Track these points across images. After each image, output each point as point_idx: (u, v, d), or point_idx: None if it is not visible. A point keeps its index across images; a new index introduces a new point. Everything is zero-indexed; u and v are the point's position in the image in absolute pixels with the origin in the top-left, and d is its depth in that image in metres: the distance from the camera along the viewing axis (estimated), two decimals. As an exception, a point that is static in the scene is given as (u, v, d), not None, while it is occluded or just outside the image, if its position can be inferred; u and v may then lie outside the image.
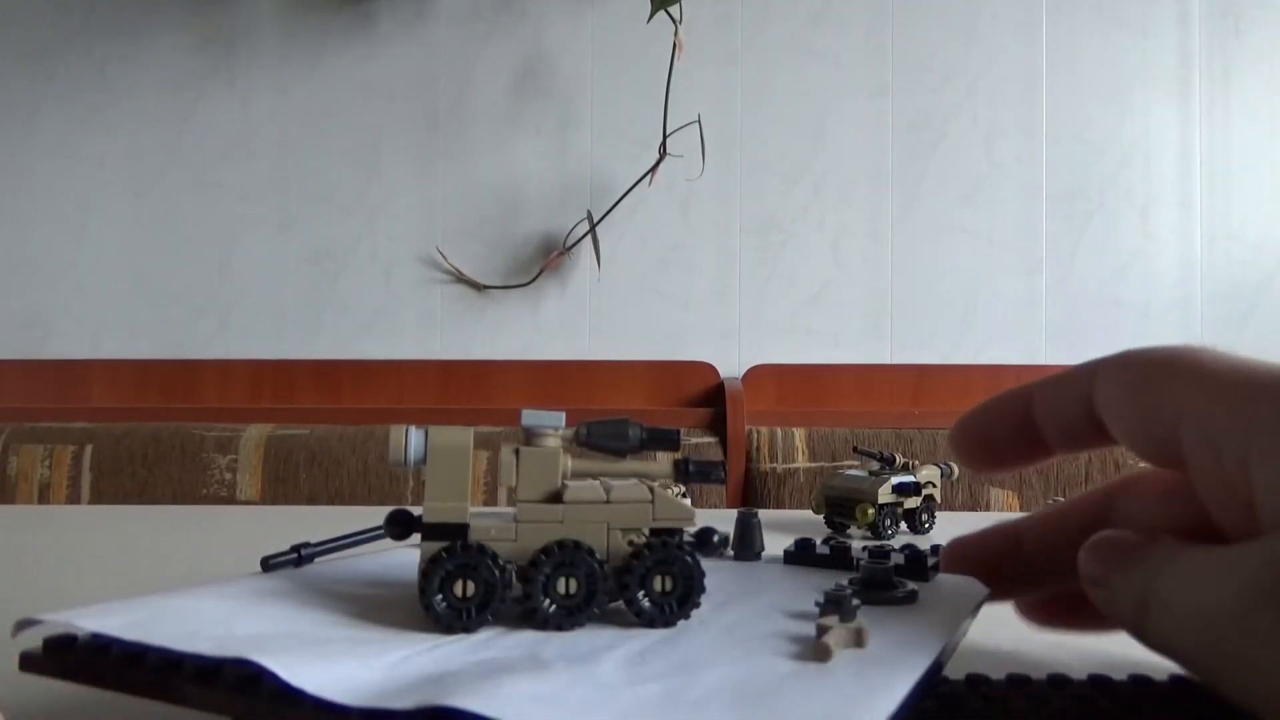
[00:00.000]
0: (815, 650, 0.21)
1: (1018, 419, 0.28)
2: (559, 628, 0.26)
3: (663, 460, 0.29)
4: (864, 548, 0.32)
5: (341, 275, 1.51)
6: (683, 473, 0.28)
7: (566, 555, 0.27)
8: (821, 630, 0.22)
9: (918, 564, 0.30)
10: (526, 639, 0.25)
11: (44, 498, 1.27)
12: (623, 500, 0.28)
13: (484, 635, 0.25)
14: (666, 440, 0.28)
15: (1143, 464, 0.27)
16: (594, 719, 0.18)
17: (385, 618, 0.26)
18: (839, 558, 0.32)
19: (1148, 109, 1.48)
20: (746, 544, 0.34)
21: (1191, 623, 0.21)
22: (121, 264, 1.52)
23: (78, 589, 0.46)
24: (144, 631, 0.22)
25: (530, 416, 0.29)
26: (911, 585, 0.26)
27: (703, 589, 0.26)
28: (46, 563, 0.53)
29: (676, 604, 0.26)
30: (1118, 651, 0.28)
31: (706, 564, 0.31)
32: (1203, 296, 1.47)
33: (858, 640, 0.22)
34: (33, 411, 1.38)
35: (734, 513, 0.39)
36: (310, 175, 1.51)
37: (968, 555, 0.31)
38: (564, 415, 0.29)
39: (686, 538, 0.28)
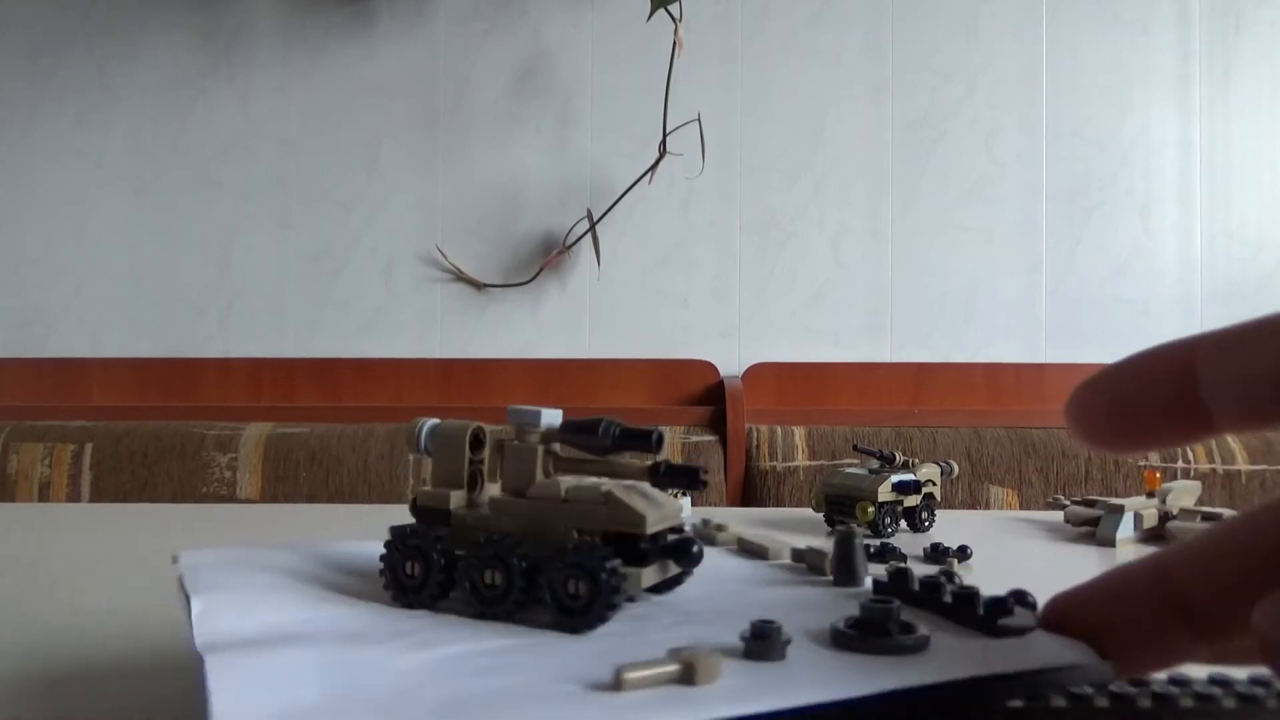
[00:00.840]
0: (615, 678, 0.20)
1: (1173, 383, 0.22)
2: (480, 616, 0.27)
3: (641, 462, 0.28)
4: (947, 586, 0.26)
5: (341, 274, 1.51)
6: (656, 475, 0.27)
7: (493, 549, 0.27)
8: (672, 657, 0.21)
9: (968, 606, 0.24)
10: (436, 621, 0.26)
11: (44, 496, 1.27)
12: (577, 500, 0.27)
13: (412, 612, 0.27)
14: (640, 440, 0.28)
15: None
16: (289, 685, 0.20)
17: (368, 589, 0.29)
18: (929, 592, 0.26)
19: (1148, 107, 1.48)
20: (846, 569, 0.29)
21: None
22: (121, 262, 1.52)
23: (78, 587, 0.46)
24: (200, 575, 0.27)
25: (514, 413, 0.29)
26: (923, 631, 0.22)
27: (609, 600, 0.25)
28: (47, 561, 0.53)
29: (584, 609, 0.25)
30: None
31: (793, 587, 0.29)
32: (1203, 295, 1.47)
33: (688, 676, 0.20)
34: (33, 410, 1.38)
35: (738, 511, 0.38)
36: (310, 173, 1.51)
37: (1082, 620, 0.22)
38: (541, 412, 0.29)
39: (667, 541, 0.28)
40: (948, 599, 0.25)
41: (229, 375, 1.48)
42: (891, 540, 0.63)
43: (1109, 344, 1.46)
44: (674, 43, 1.38)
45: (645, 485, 0.28)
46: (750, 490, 1.30)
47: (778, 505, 1.26)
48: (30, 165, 1.53)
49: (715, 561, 0.33)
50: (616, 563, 0.26)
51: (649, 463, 0.28)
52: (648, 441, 0.27)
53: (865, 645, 0.22)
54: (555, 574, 0.26)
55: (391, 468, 1.27)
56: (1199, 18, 1.47)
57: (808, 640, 0.23)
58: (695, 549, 0.27)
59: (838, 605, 0.27)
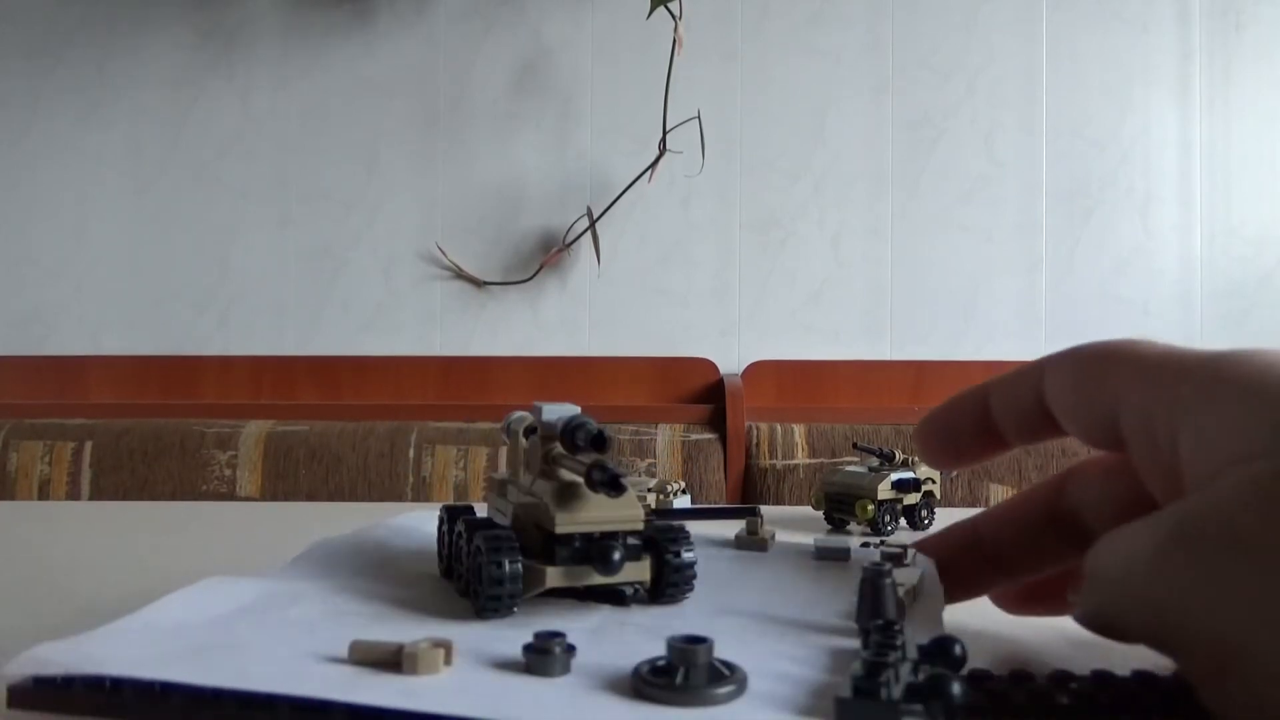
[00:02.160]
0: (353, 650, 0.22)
1: (977, 415, 0.29)
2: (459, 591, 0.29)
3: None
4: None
5: (341, 272, 1.51)
6: (588, 476, 0.27)
7: (462, 532, 0.29)
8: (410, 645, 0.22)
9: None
10: (414, 589, 0.30)
11: (44, 494, 1.27)
12: (534, 495, 0.28)
13: (423, 577, 0.31)
14: (581, 435, 0.27)
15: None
16: (214, 599, 0.26)
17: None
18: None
19: (1148, 106, 1.48)
20: (870, 619, 0.24)
21: (1117, 584, 0.23)
22: (121, 260, 1.52)
23: (77, 586, 0.46)
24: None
25: (539, 409, 0.30)
26: (728, 688, 0.20)
27: (490, 591, 0.26)
28: (46, 559, 0.53)
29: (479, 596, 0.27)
30: (1119, 649, 0.28)
31: (806, 633, 0.26)
32: (1203, 293, 1.47)
33: (398, 662, 0.21)
34: (33, 408, 1.38)
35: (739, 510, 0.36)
36: (310, 172, 1.51)
37: (929, 554, 0.32)
38: (542, 408, 0.29)
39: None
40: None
41: (229, 373, 1.48)
42: (891, 539, 0.63)
43: (1109, 342, 1.46)
44: (674, 41, 1.38)
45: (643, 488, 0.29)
46: (750, 488, 1.30)
47: (778, 503, 1.26)
48: (30, 164, 1.52)
49: (799, 583, 0.31)
50: (506, 558, 0.26)
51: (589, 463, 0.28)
52: (585, 438, 0.27)
53: (642, 687, 0.20)
54: (470, 561, 0.27)
55: (391, 465, 1.27)
56: (1199, 16, 1.47)
57: (604, 672, 0.21)
58: (615, 557, 0.26)
59: (800, 655, 0.23)
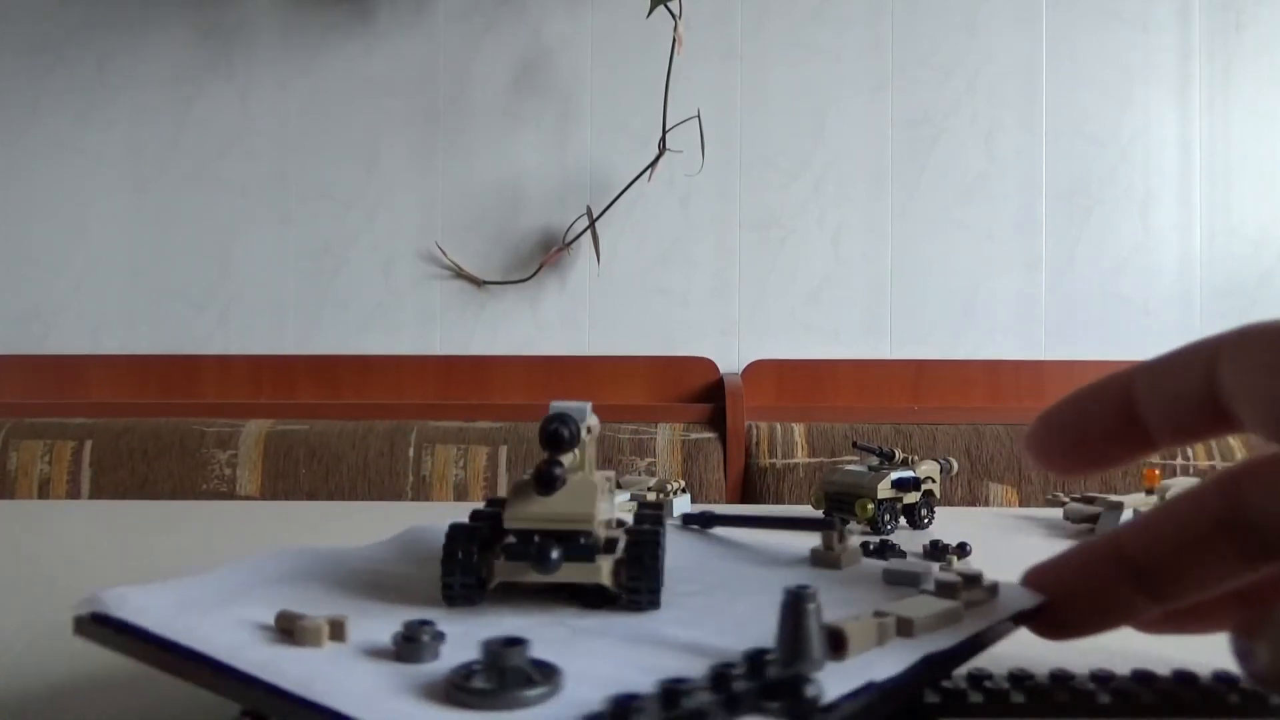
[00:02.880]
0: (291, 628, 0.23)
1: (1116, 409, 0.25)
2: None
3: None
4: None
5: (341, 271, 1.51)
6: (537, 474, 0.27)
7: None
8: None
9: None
10: (415, 578, 0.30)
11: (44, 493, 1.27)
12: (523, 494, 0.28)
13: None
14: (543, 437, 0.28)
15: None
16: (245, 570, 0.28)
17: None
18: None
19: (1148, 104, 1.48)
20: (795, 648, 0.21)
21: None
22: (121, 259, 1.52)
23: (77, 584, 0.46)
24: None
25: (550, 407, 0.30)
26: (542, 690, 0.20)
27: (443, 582, 0.26)
28: (46, 558, 0.53)
29: None
30: (1117, 648, 0.28)
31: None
32: (1202, 292, 1.47)
33: (289, 634, 0.23)
34: (32, 407, 1.38)
35: (736, 508, 0.35)
36: (310, 170, 1.51)
37: (1053, 584, 0.26)
38: (550, 406, 0.29)
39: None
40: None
41: (229, 372, 1.48)
42: (891, 538, 0.63)
43: (1108, 341, 1.46)
44: (673, 40, 1.38)
45: (588, 479, 0.28)
46: (750, 487, 1.30)
47: (778, 502, 1.27)
48: (29, 163, 1.52)
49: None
50: (460, 548, 0.26)
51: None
52: (543, 437, 0.27)
53: (449, 688, 0.20)
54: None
55: (391, 465, 1.27)
56: (1199, 15, 1.47)
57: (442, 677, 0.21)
58: (552, 555, 0.26)
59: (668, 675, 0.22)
